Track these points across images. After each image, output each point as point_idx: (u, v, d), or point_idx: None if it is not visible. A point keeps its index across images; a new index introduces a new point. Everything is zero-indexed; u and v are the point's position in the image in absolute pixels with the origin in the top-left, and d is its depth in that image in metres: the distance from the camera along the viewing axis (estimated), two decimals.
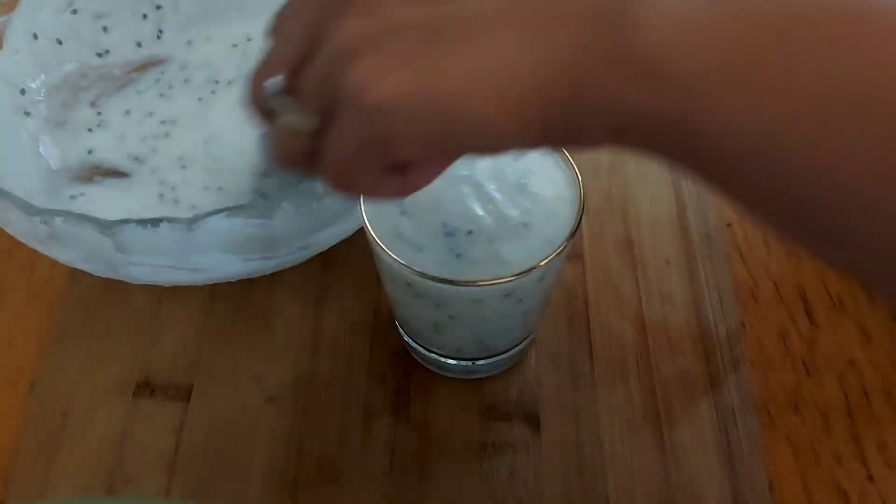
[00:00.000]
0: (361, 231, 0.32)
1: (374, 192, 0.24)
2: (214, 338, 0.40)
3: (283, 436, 0.37)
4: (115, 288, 0.41)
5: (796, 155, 0.17)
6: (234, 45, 0.48)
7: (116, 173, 0.43)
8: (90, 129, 0.44)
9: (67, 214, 0.32)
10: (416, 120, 0.20)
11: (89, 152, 0.43)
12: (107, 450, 0.36)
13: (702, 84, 0.17)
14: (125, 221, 0.32)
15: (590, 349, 0.39)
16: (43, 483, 0.36)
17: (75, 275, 0.42)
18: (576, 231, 0.31)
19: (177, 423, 0.37)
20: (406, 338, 0.38)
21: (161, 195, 0.41)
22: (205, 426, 0.37)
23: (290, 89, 0.24)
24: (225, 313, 0.41)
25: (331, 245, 0.38)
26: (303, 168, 0.25)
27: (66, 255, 0.35)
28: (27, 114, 0.43)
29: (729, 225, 0.44)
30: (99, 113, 0.45)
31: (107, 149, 0.44)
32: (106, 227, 0.32)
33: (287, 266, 0.38)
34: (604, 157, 0.46)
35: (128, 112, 0.45)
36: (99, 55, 0.46)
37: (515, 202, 0.31)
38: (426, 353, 0.37)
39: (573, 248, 0.42)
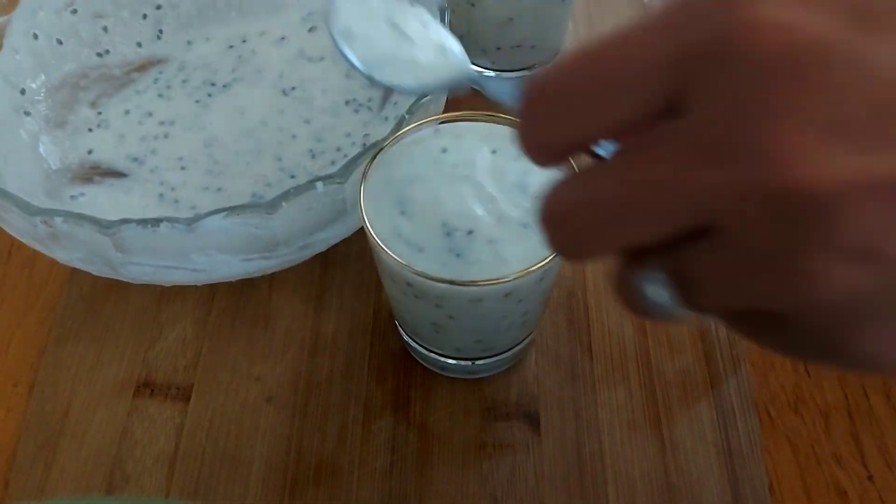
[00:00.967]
0: (361, 231, 0.32)
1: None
2: (214, 338, 0.40)
3: (283, 436, 0.37)
4: (115, 288, 0.41)
5: None
6: (231, 47, 0.48)
7: (116, 173, 0.43)
8: (90, 130, 0.44)
9: (67, 214, 0.32)
10: None
11: (89, 152, 0.43)
12: (107, 450, 0.36)
13: None
14: (125, 221, 0.32)
15: (590, 349, 0.39)
16: (43, 483, 0.36)
17: (75, 275, 0.42)
18: None
19: (177, 423, 0.37)
20: (406, 338, 0.38)
21: (161, 195, 0.42)
22: (205, 426, 0.37)
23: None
24: (225, 313, 0.41)
25: (331, 245, 0.38)
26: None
27: (66, 255, 0.35)
28: (27, 114, 0.43)
29: None
30: (99, 113, 0.45)
31: (107, 149, 0.44)
32: (106, 227, 0.32)
33: (287, 266, 0.38)
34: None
35: (127, 112, 0.45)
36: (99, 55, 0.46)
37: (516, 202, 0.31)
38: (426, 352, 0.37)
39: None
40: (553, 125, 0.18)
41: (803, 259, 0.15)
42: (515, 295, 0.31)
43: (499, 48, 0.47)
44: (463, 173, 0.32)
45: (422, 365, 0.39)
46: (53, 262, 0.37)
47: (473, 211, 0.31)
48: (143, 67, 0.47)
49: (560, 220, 0.18)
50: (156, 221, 0.32)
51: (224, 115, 0.45)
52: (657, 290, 0.19)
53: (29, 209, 0.33)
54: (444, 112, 0.38)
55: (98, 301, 0.41)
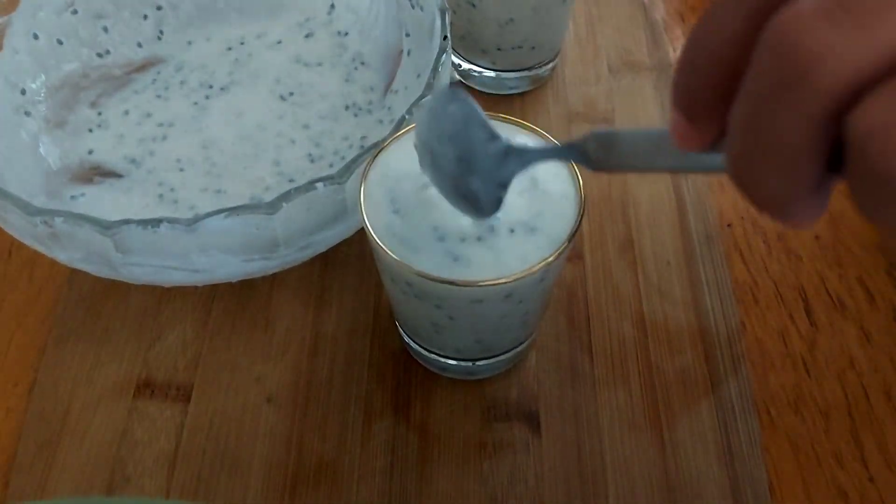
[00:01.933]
0: (361, 231, 0.32)
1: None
2: (214, 338, 0.40)
3: (283, 436, 0.37)
4: (115, 288, 0.41)
5: None
6: (229, 48, 0.48)
7: (116, 174, 0.43)
8: (90, 130, 0.44)
9: (67, 214, 0.32)
10: None
11: (89, 153, 0.43)
12: (107, 450, 0.36)
13: None
14: (125, 222, 0.32)
15: (590, 349, 0.39)
16: (43, 483, 0.36)
17: (75, 275, 0.42)
18: (576, 232, 0.31)
19: (177, 423, 0.37)
20: (406, 338, 0.38)
21: (160, 196, 0.42)
22: (205, 426, 0.37)
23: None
24: (225, 313, 0.41)
25: (331, 245, 0.38)
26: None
27: (66, 255, 0.35)
28: (27, 114, 0.43)
29: (729, 225, 0.44)
30: (99, 113, 0.45)
31: (107, 149, 0.44)
32: (106, 227, 0.32)
33: (287, 266, 0.38)
34: None
35: (127, 112, 0.45)
36: (99, 55, 0.46)
37: (514, 204, 0.31)
38: (426, 353, 0.37)
39: (573, 248, 0.42)
40: (696, 69, 0.20)
41: None
42: (516, 295, 0.31)
43: (499, 48, 0.47)
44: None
45: (422, 365, 0.39)
46: (53, 263, 0.37)
47: (460, 219, 0.31)
48: (143, 68, 0.47)
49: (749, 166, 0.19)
50: (156, 222, 0.32)
51: (222, 119, 0.45)
52: None
53: (29, 209, 0.33)
54: None
55: (98, 301, 0.41)
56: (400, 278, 0.31)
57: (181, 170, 0.42)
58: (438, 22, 0.39)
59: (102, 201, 0.41)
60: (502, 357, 0.37)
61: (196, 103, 0.45)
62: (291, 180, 0.42)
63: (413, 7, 0.43)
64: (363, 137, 0.43)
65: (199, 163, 0.43)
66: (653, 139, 0.24)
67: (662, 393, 0.38)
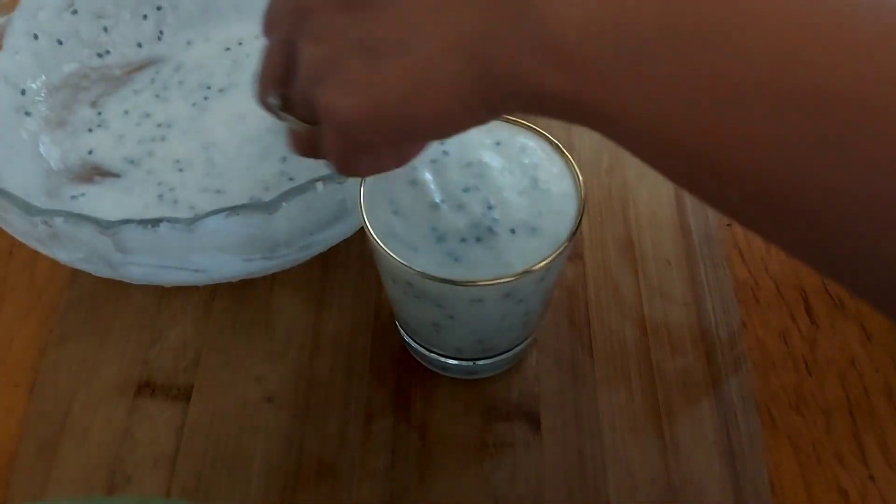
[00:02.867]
0: (361, 231, 0.32)
1: (375, 169, 0.28)
2: (214, 338, 0.40)
3: (283, 436, 0.37)
4: (115, 288, 0.41)
5: (680, 131, 0.19)
6: (227, 49, 0.48)
7: (116, 174, 0.43)
8: (90, 130, 0.44)
9: (67, 214, 0.32)
10: (377, 128, 0.23)
11: (89, 152, 0.43)
12: (107, 450, 0.36)
13: (600, 69, 0.19)
14: (125, 221, 0.32)
15: (590, 349, 0.39)
16: (43, 483, 0.36)
17: (75, 275, 0.42)
18: (576, 231, 0.31)
19: (177, 423, 0.37)
20: (406, 338, 0.38)
21: (160, 196, 0.41)
22: (205, 426, 0.37)
23: (284, 103, 0.27)
24: (225, 313, 0.41)
25: (331, 245, 0.38)
26: (313, 156, 0.29)
27: (66, 255, 0.35)
28: (27, 114, 0.43)
29: (729, 225, 0.44)
30: (99, 113, 0.45)
31: (107, 149, 0.44)
32: (106, 227, 0.32)
33: (287, 266, 0.38)
34: (604, 156, 0.46)
35: (126, 112, 0.45)
36: (99, 55, 0.46)
37: (515, 204, 0.31)
38: (426, 353, 0.37)
39: (573, 248, 0.42)
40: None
41: (301, 46, 0.25)
42: (516, 295, 0.31)
43: None
44: (463, 173, 0.32)
45: (422, 365, 0.39)
46: (54, 263, 0.37)
47: (458, 220, 0.31)
48: (143, 67, 0.47)
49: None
50: (156, 222, 0.32)
51: (222, 120, 0.45)
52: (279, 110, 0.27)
53: (29, 209, 0.33)
54: None
55: (98, 301, 0.41)
56: (400, 278, 0.31)
57: (180, 170, 0.42)
58: None
59: (102, 201, 0.41)
60: (503, 357, 0.37)
61: (195, 104, 0.45)
62: (292, 179, 0.42)
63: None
64: None
65: (198, 163, 0.43)
66: None
67: (663, 392, 0.38)
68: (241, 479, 0.36)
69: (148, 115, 0.45)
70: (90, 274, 0.37)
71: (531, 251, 0.30)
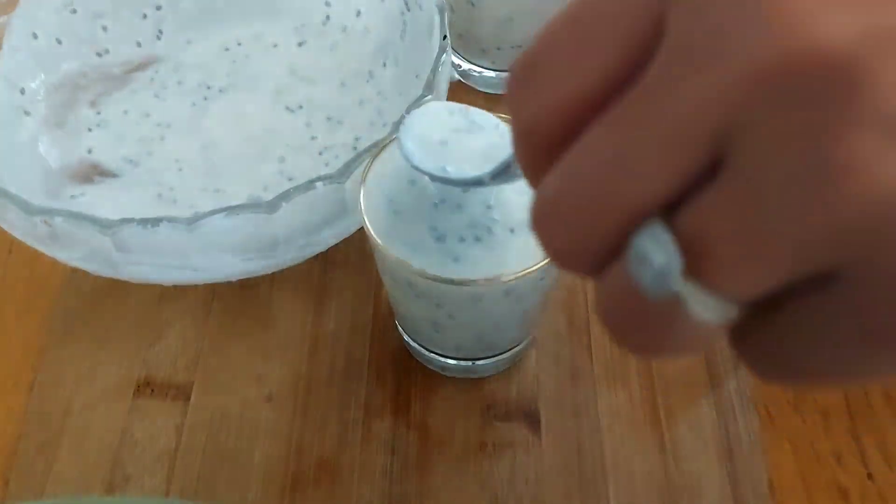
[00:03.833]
0: (361, 231, 0.32)
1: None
2: (214, 338, 0.40)
3: (283, 435, 0.37)
4: (115, 288, 0.41)
5: None
6: (227, 49, 0.48)
7: (116, 173, 0.43)
8: (90, 129, 0.44)
9: (67, 214, 0.32)
10: None
11: (89, 152, 0.43)
12: (107, 450, 0.36)
13: None
14: (125, 221, 0.32)
15: (590, 348, 0.39)
16: (43, 483, 0.36)
17: (75, 275, 0.42)
18: None
19: (177, 423, 0.37)
20: (406, 337, 0.38)
21: (160, 195, 0.41)
22: (205, 426, 0.37)
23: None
24: (225, 313, 0.41)
25: (331, 245, 0.38)
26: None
27: (66, 255, 0.35)
28: (27, 113, 0.43)
29: None
30: (98, 113, 0.45)
31: (106, 149, 0.44)
32: (106, 227, 0.32)
33: (287, 265, 0.38)
34: None
35: (126, 112, 0.45)
36: (98, 55, 0.46)
37: (514, 204, 0.31)
38: (426, 352, 0.37)
39: None
40: (539, 88, 0.15)
41: (832, 147, 0.12)
42: (515, 294, 0.31)
43: (499, 48, 0.47)
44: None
45: (422, 365, 0.39)
46: (53, 262, 0.37)
47: (457, 220, 0.31)
48: (142, 67, 0.47)
49: (551, 210, 0.15)
50: (156, 221, 0.32)
51: (221, 120, 0.45)
52: (655, 255, 0.13)
53: (29, 209, 0.33)
54: None
55: (98, 301, 0.41)
56: (400, 278, 0.31)
57: (180, 170, 0.42)
58: (437, 21, 0.39)
59: (102, 200, 0.41)
60: (502, 356, 0.37)
61: (194, 104, 0.45)
62: (291, 179, 0.42)
63: (411, 6, 0.43)
64: (360, 139, 0.43)
65: (197, 163, 0.43)
66: None
67: (662, 392, 0.38)
68: (241, 479, 0.36)
69: (147, 115, 0.45)
70: (90, 273, 0.37)
71: (531, 251, 0.30)
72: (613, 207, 0.14)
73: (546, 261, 0.30)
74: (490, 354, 0.37)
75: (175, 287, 0.41)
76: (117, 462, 0.36)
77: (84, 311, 0.41)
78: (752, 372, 0.15)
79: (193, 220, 0.32)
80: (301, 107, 0.45)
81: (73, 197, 0.41)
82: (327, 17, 0.48)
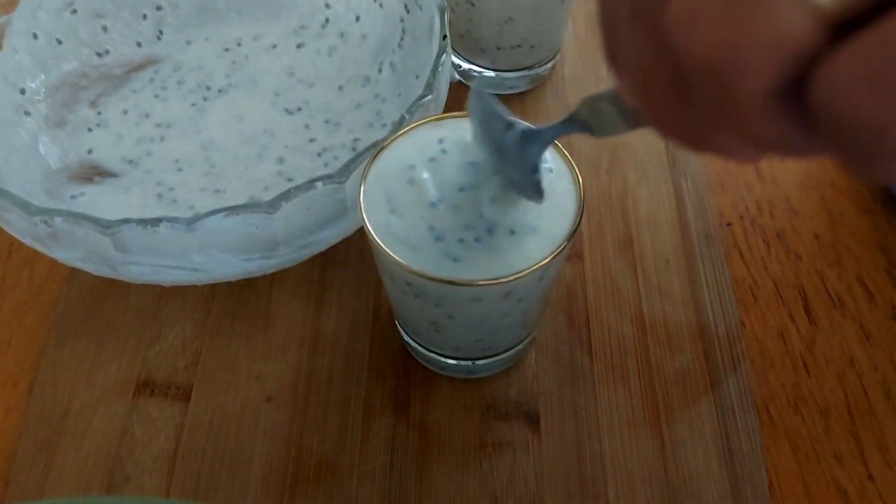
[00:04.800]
0: (361, 231, 0.32)
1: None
2: (214, 337, 0.40)
3: (283, 435, 0.37)
4: (115, 287, 0.41)
5: None
6: (226, 49, 0.48)
7: (116, 173, 0.43)
8: (90, 129, 0.44)
9: (67, 214, 0.32)
10: None
11: (89, 152, 0.43)
12: (107, 449, 0.36)
13: None
14: (125, 221, 0.32)
15: (590, 348, 0.39)
16: (43, 483, 0.36)
17: (75, 275, 0.42)
18: (576, 231, 0.31)
19: (177, 423, 0.37)
20: (406, 337, 0.38)
21: (159, 195, 0.42)
22: (205, 425, 0.37)
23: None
24: (225, 313, 0.41)
25: (330, 244, 0.38)
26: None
27: (66, 255, 0.35)
28: (27, 113, 0.43)
29: (729, 224, 0.44)
30: (99, 113, 0.45)
31: (106, 149, 0.44)
32: (106, 227, 0.32)
33: (287, 265, 0.38)
34: (604, 156, 0.46)
35: (125, 112, 0.45)
36: (99, 55, 0.46)
37: (512, 204, 0.31)
38: (426, 352, 0.37)
39: (573, 247, 0.42)
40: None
41: None
42: (515, 294, 0.31)
43: (499, 48, 0.47)
44: (461, 172, 0.32)
45: (421, 364, 0.39)
46: (53, 262, 0.37)
47: (458, 220, 0.31)
48: (142, 67, 0.47)
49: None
50: (156, 221, 0.32)
51: (221, 121, 0.45)
52: None
53: (29, 209, 0.33)
54: (444, 112, 0.38)
55: (98, 301, 0.41)
56: (399, 278, 0.31)
57: (179, 170, 0.43)
58: (437, 21, 0.39)
59: (102, 201, 0.41)
60: (502, 356, 0.37)
61: (194, 104, 0.45)
62: (290, 179, 0.42)
63: (411, 6, 0.43)
64: (359, 140, 0.43)
65: (197, 163, 0.43)
66: None
67: (662, 392, 0.38)
68: (241, 479, 0.36)
69: (147, 115, 0.45)
70: (89, 273, 0.37)
71: (530, 251, 0.30)
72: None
73: (546, 261, 0.30)
74: (490, 354, 0.37)
75: (175, 287, 0.41)
76: (117, 462, 0.36)
77: (84, 311, 0.41)
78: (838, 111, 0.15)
79: (193, 221, 0.32)
80: (300, 108, 0.45)
81: (73, 197, 0.41)
82: (326, 20, 0.48)
